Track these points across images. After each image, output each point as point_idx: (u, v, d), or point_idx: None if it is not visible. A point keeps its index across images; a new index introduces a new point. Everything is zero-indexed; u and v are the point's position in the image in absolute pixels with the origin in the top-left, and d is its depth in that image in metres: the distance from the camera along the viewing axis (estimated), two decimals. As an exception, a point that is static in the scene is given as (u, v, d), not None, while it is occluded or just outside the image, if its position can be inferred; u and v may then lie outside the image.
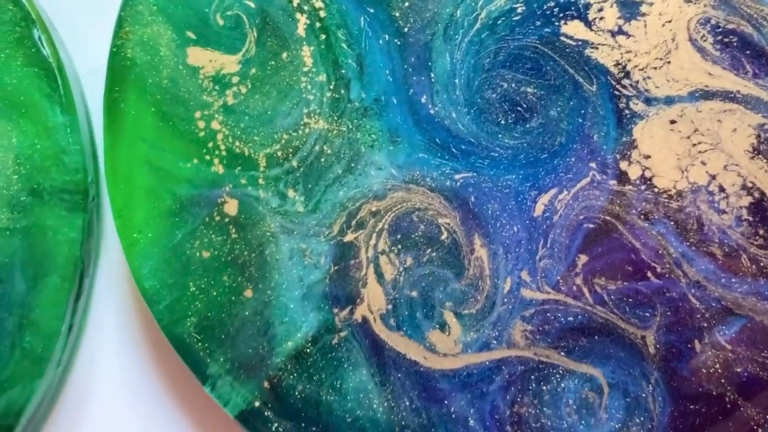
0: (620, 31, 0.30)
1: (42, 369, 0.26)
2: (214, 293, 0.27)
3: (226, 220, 0.28)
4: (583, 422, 0.28)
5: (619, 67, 0.29)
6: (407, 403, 0.27)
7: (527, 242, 0.29)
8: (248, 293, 0.27)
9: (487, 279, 0.28)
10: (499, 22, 0.30)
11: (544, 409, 0.28)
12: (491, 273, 0.28)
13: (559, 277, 0.28)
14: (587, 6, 0.30)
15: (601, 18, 0.30)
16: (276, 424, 0.27)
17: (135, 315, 0.30)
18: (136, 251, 0.27)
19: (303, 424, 0.27)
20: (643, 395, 0.28)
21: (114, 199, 0.28)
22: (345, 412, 0.27)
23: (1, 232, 0.27)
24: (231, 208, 0.28)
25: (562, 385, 0.28)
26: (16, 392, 0.26)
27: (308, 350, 0.27)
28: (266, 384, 0.27)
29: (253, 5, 0.29)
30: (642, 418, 0.27)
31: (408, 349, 0.28)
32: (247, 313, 0.27)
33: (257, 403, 0.27)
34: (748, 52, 0.29)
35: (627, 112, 0.29)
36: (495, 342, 0.28)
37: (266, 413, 0.27)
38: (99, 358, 0.29)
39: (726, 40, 0.29)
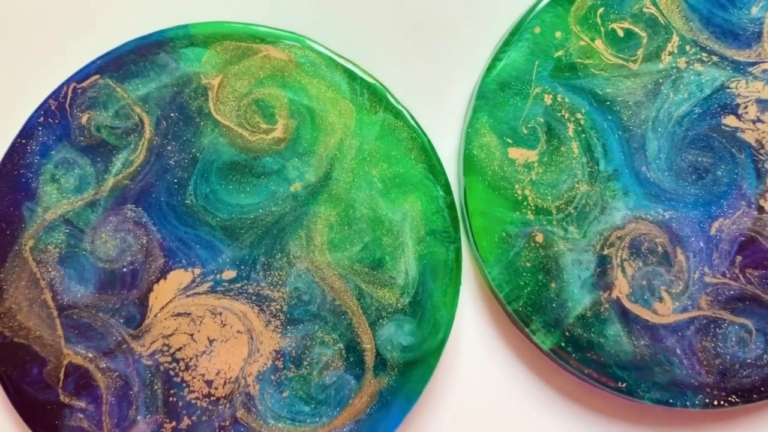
0: (758, 120, 0.50)
1: (446, 325, 0.49)
2: (534, 285, 0.50)
3: (536, 245, 0.50)
4: (740, 350, 0.49)
5: (758, 142, 0.50)
6: (642, 341, 0.49)
7: (707, 249, 0.50)
8: (553, 285, 0.50)
9: (685, 272, 0.50)
10: (685, 119, 0.51)
11: (719, 343, 0.49)
12: (687, 268, 0.50)
13: (725, 269, 0.50)
14: (737, 106, 0.50)
15: (746, 112, 0.50)
16: (574, 355, 0.49)
17: (480, 295, 0.53)
18: (486, 263, 0.50)
19: (588, 355, 0.49)
20: (777, 335, 0.49)
21: (471, 234, 0.50)
22: (609, 348, 0.49)
23: (418, 256, 0.50)
24: (539, 238, 0.50)
25: (729, 329, 0.49)
26: (428, 345, 0.49)
27: (587, 314, 0.49)
28: (567, 333, 0.49)
29: (557, 121, 0.50)
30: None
31: (642, 312, 0.50)
32: (552, 295, 0.50)
33: (563, 344, 0.49)
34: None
35: (763, 169, 0.50)
36: (690, 307, 0.50)
37: (568, 349, 0.49)
38: (464, 316, 0.52)
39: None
